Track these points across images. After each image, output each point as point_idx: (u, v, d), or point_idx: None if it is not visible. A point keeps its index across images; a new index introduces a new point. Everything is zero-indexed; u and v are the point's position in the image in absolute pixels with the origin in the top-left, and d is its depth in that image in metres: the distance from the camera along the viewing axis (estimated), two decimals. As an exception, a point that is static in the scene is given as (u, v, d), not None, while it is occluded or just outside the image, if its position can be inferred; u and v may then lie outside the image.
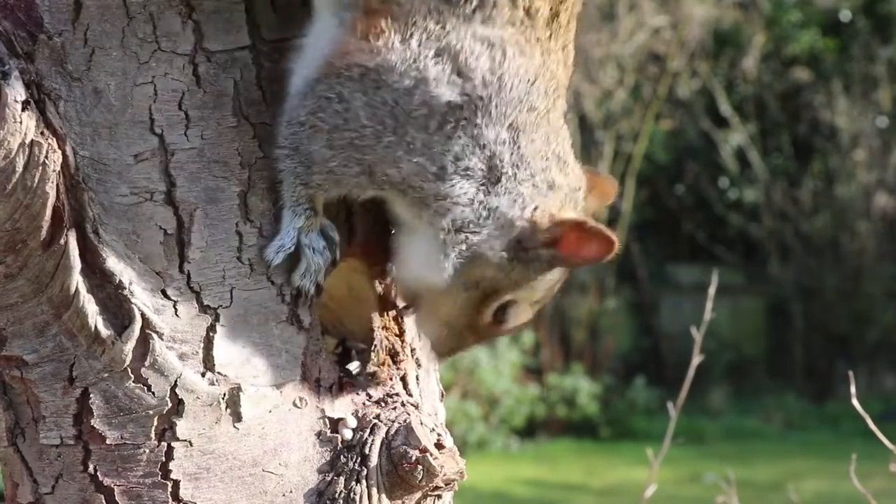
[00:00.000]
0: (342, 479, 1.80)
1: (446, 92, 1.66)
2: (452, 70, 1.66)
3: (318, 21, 1.72)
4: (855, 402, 2.68)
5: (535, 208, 1.74)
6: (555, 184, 1.75)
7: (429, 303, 1.82)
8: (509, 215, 1.74)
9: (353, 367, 1.89)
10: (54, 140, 1.69)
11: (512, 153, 1.71)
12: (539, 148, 1.73)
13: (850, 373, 2.92)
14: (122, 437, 1.75)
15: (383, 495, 1.80)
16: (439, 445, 1.84)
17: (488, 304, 1.80)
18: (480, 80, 1.66)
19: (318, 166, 1.70)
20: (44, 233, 1.68)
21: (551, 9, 1.70)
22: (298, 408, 1.80)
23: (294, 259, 1.78)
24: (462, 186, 1.70)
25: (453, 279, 1.77)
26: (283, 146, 1.73)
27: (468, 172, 1.70)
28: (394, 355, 1.93)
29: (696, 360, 3.09)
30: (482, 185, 1.71)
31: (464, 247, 1.75)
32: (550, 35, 1.71)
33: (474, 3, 1.65)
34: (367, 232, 1.89)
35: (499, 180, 1.71)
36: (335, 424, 1.83)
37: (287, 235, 1.76)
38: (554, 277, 1.82)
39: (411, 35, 1.65)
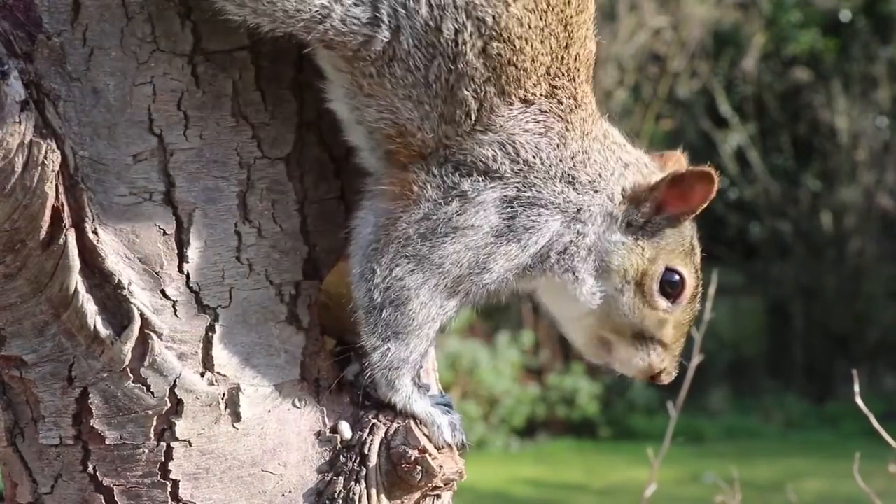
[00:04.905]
0: (341, 479, 1.80)
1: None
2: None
3: None
4: (858, 400, 2.67)
5: (623, 189, 1.81)
6: (626, 162, 1.82)
7: (603, 328, 1.87)
8: (608, 209, 1.80)
9: (352, 371, 1.89)
10: (53, 140, 1.68)
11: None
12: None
13: (854, 372, 2.92)
14: (121, 437, 1.75)
15: (382, 495, 1.80)
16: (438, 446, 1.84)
17: (649, 287, 1.84)
18: None
19: None
20: (43, 233, 1.68)
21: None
22: (297, 408, 1.80)
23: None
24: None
25: (603, 295, 1.83)
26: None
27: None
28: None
29: (696, 360, 3.09)
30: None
31: (592, 259, 1.82)
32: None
33: None
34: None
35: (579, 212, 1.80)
36: (334, 424, 1.82)
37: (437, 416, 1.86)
38: (683, 229, 1.86)
39: None
